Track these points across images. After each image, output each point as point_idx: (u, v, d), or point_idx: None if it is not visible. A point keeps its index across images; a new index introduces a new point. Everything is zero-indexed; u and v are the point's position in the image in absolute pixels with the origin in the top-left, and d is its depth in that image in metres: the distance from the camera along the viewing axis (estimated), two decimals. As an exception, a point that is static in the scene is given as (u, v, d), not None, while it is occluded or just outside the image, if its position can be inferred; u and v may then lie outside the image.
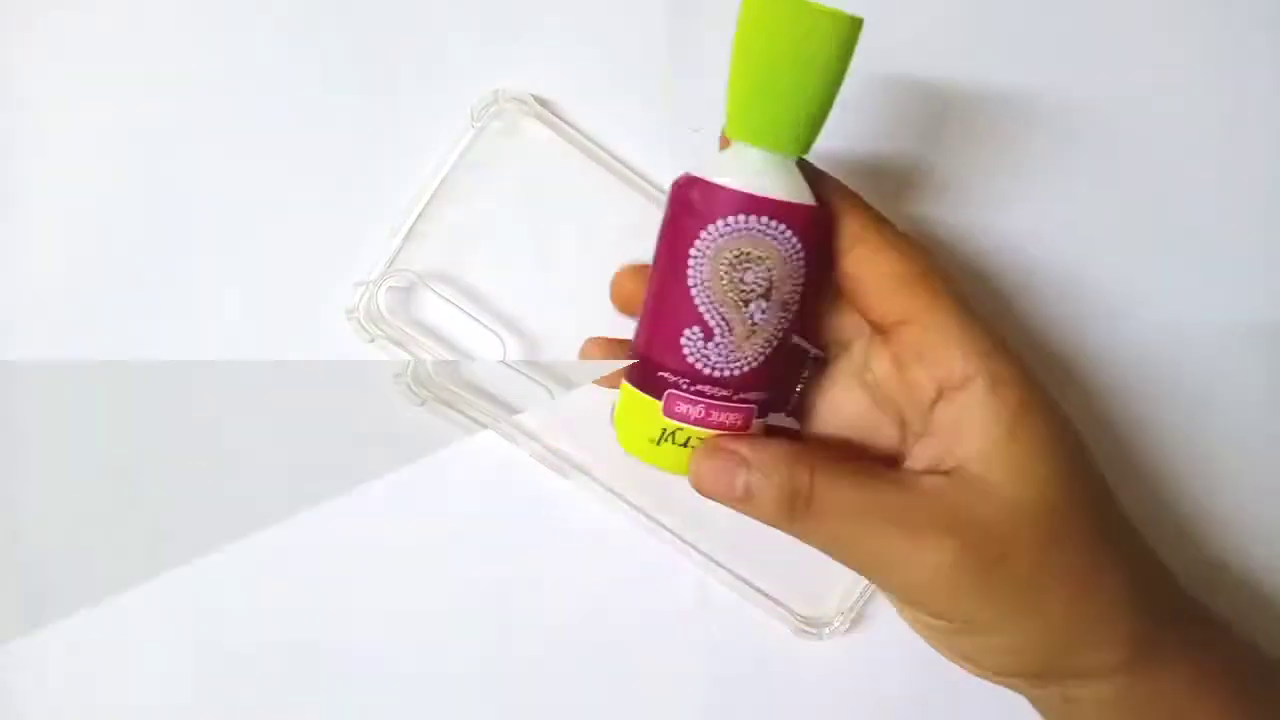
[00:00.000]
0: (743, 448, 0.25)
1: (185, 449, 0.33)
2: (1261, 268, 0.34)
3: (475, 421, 0.34)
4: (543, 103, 0.34)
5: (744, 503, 0.25)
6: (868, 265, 0.25)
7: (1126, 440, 0.35)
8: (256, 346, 0.35)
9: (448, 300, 0.33)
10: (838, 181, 0.26)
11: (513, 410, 0.34)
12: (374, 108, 0.35)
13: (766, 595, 0.34)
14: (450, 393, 0.34)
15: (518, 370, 0.34)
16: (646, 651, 0.35)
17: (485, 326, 0.34)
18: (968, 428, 0.25)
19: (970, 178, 0.35)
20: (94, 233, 0.35)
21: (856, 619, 0.34)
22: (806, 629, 0.34)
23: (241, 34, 0.35)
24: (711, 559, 0.34)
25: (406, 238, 0.33)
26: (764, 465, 0.25)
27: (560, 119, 0.34)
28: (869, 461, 0.27)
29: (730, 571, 0.34)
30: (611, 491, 0.34)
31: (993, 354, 0.25)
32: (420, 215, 0.33)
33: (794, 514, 0.25)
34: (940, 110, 0.35)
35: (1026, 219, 0.35)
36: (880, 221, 0.26)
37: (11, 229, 0.35)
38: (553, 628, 0.35)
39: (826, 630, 0.34)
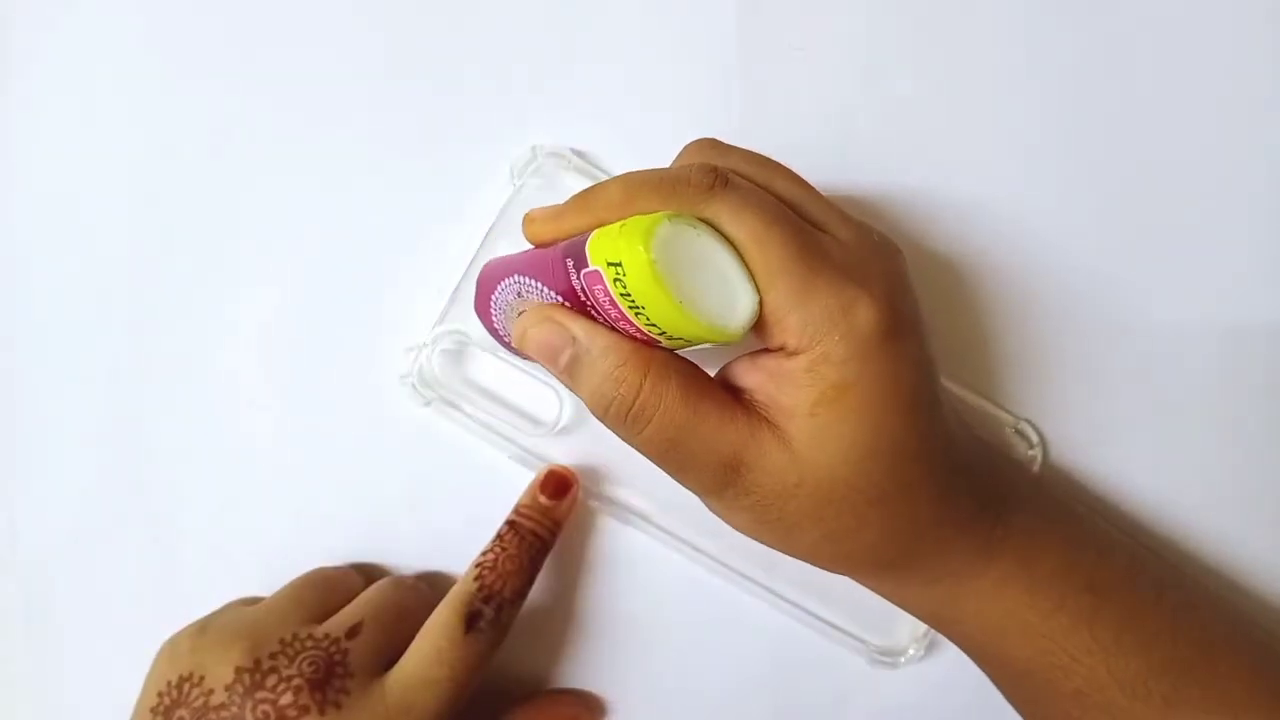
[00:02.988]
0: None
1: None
2: (1262, 268, 0.35)
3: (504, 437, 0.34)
4: (580, 155, 0.34)
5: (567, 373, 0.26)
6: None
7: (1125, 439, 0.35)
8: (314, 418, 0.35)
9: (501, 359, 0.33)
10: None
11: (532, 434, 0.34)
12: (415, 170, 0.35)
13: (839, 628, 0.34)
14: (459, 394, 0.34)
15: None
16: (720, 690, 0.35)
17: (542, 383, 0.34)
18: (784, 389, 0.25)
19: (968, 177, 0.35)
20: (133, 284, 0.35)
21: (931, 645, 0.34)
22: (882, 659, 0.34)
23: (286, 95, 0.35)
24: (782, 596, 0.34)
25: (452, 298, 0.33)
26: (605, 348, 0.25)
27: (598, 169, 0.34)
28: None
29: (800, 606, 0.34)
30: (673, 535, 0.34)
31: (832, 331, 0.24)
32: (465, 275, 0.33)
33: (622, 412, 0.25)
34: (939, 105, 0.35)
35: (1024, 218, 0.35)
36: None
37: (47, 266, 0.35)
38: (623, 669, 0.35)
39: (902, 659, 0.34)
